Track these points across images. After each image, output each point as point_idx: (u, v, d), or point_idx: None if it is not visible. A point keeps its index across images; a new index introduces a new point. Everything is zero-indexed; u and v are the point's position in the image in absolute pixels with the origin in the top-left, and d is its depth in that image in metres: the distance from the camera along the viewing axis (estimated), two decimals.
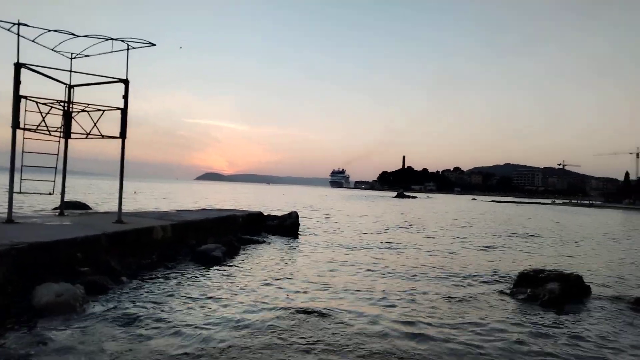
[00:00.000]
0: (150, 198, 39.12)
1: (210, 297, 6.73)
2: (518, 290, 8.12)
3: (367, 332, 5.57)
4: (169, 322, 5.41)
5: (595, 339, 5.77)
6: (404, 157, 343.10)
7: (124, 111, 9.88)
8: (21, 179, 8.97)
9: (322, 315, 6.11)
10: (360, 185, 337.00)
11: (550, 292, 7.54)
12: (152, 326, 5.22)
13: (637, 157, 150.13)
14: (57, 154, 9.89)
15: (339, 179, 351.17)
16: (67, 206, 12.42)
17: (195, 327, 5.30)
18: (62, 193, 10.70)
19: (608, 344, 5.64)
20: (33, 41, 9.16)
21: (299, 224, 16.88)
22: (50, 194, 10.04)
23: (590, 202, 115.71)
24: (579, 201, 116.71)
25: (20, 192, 9.15)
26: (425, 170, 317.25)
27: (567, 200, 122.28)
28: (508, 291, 8.25)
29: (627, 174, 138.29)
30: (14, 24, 8.57)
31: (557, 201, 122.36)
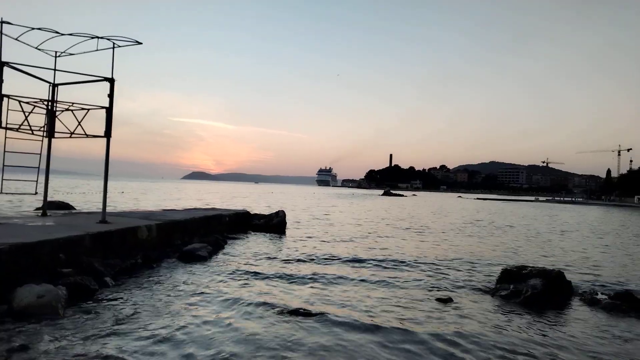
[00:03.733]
0: (135, 198, 38.71)
1: (194, 299, 6.69)
2: (501, 287, 8.25)
3: (352, 336, 5.63)
4: (151, 327, 5.32)
5: (573, 335, 5.91)
6: (390, 155, 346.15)
7: (109, 110, 9.78)
8: (2, 179, 8.83)
9: (307, 316, 6.13)
10: (347, 183, 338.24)
11: (533, 288, 7.68)
12: (134, 330, 5.14)
13: (619, 155, 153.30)
14: (40, 154, 9.76)
15: (325, 177, 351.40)
16: (50, 206, 12.26)
17: (177, 333, 5.22)
18: (45, 193, 10.56)
19: (584, 340, 5.78)
20: (16, 39, 9.02)
21: (285, 223, 16.92)
22: (33, 194, 9.90)
23: (573, 199, 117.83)
24: (562, 198, 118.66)
25: (1, 193, 9.01)
26: (412, 168, 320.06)
27: (551, 198, 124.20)
28: (492, 287, 8.39)
29: (608, 171, 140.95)
30: None
31: (540, 198, 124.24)
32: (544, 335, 5.80)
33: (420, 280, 8.93)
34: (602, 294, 8.28)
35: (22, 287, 5.59)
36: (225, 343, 4.91)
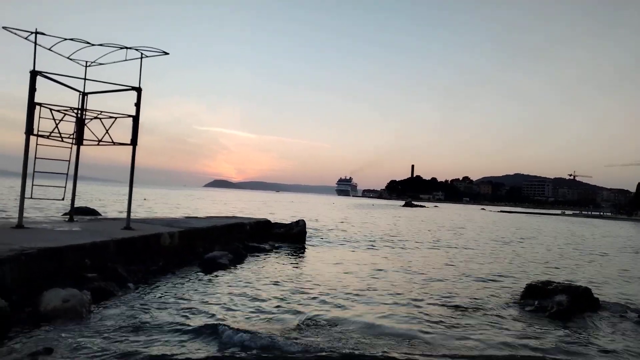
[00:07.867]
0: (159, 205, 39.38)
1: (213, 306, 6.73)
2: (526, 302, 8.05)
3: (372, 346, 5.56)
4: (171, 330, 5.41)
5: (598, 353, 5.70)
6: (412, 165, 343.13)
7: (135, 118, 10.01)
8: (32, 185, 9.10)
9: (329, 326, 6.09)
10: (368, 193, 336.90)
11: (558, 304, 7.47)
12: (154, 334, 5.22)
13: None
14: (69, 160, 10.04)
15: (345, 187, 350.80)
16: (76, 212, 12.56)
17: (195, 339, 5.29)
18: (73, 199, 10.83)
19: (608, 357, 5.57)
20: (49, 49, 9.34)
21: (306, 232, 16.88)
22: (61, 199, 10.16)
23: (601, 213, 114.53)
24: (589, 212, 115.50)
25: (31, 198, 9.28)
26: (434, 179, 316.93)
27: (578, 212, 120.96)
28: (516, 302, 8.19)
29: (639, 185, 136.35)
30: (32, 32, 8.75)
31: (567, 212, 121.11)
32: (564, 352, 5.61)
33: (444, 292, 8.77)
34: (632, 311, 7.97)
35: (48, 291, 5.72)
36: None
